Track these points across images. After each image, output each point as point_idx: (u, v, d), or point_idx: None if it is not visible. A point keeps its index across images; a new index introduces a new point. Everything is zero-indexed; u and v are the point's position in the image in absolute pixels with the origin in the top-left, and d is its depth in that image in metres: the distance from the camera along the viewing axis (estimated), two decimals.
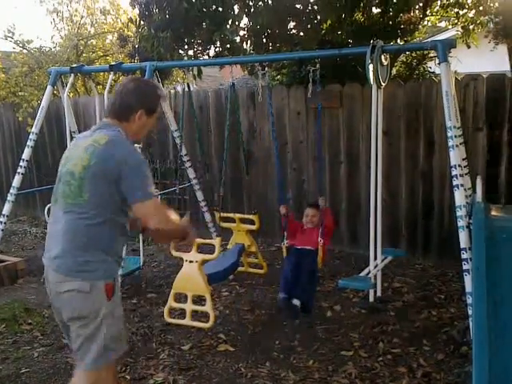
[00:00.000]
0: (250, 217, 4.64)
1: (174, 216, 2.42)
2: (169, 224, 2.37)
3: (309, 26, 5.37)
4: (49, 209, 5.13)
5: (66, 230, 2.29)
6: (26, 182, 6.22)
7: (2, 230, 5.16)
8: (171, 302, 3.84)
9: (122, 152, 2.27)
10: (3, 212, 5.11)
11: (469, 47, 5.78)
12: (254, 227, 4.62)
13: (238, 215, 4.69)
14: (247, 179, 5.97)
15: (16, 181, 5.12)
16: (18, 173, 5.13)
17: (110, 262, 2.35)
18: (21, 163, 5.14)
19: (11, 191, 5.10)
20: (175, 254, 3.91)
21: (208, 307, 3.70)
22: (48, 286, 2.38)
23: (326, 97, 5.35)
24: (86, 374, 2.36)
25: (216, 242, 3.83)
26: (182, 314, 4.01)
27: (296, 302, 3.75)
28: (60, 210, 2.33)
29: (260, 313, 4.30)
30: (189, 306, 3.77)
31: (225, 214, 4.71)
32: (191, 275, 3.75)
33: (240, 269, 4.68)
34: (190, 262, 3.75)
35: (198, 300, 3.93)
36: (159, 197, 2.42)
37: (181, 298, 3.94)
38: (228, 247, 4.67)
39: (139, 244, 5.04)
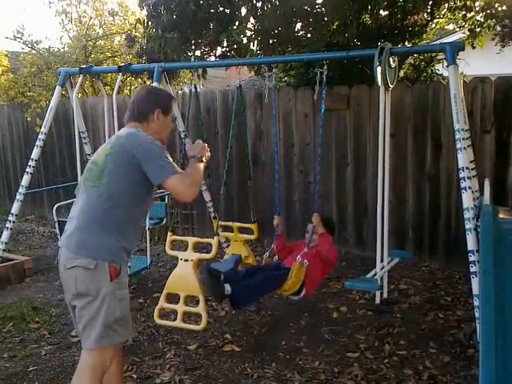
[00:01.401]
0: (249, 226, 4.45)
1: (193, 176, 2.57)
2: (195, 185, 2.55)
3: (316, 27, 5.37)
4: (57, 208, 5.22)
5: (82, 210, 2.48)
6: (33, 181, 6.27)
7: (11, 229, 5.19)
8: (163, 303, 3.66)
9: (140, 140, 2.47)
10: (12, 211, 5.14)
11: (474, 47, 5.77)
12: (252, 237, 4.43)
13: (236, 224, 4.48)
14: (254, 181, 5.96)
15: (25, 180, 5.16)
16: (27, 172, 5.16)
17: (118, 248, 2.47)
18: (30, 163, 5.17)
19: (20, 190, 5.14)
20: (170, 252, 3.81)
21: (201, 309, 3.54)
22: (59, 265, 2.52)
23: (333, 98, 5.37)
24: (88, 352, 2.47)
25: (213, 241, 3.69)
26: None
27: (227, 287, 3.31)
28: (80, 193, 2.54)
29: (266, 314, 4.30)
30: (181, 307, 3.60)
31: (223, 223, 4.52)
32: (185, 275, 3.59)
33: None
34: (186, 260, 3.60)
35: (193, 301, 3.82)
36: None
37: (176, 298, 3.79)
38: (224, 257, 4.48)
39: (146, 244, 5.06)
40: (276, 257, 3.92)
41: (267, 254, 4.00)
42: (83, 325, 2.45)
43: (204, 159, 2.71)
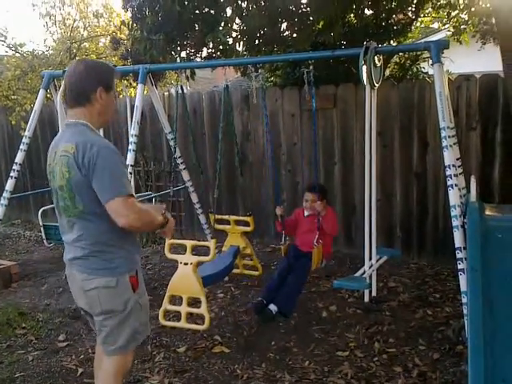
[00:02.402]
0: (245, 218, 4.65)
1: (147, 213, 2.39)
2: (142, 222, 2.33)
3: (301, 27, 5.37)
4: (42, 212, 5.16)
5: (80, 238, 2.35)
6: (19, 185, 6.19)
7: None
8: (166, 305, 3.81)
9: (88, 154, 2.22)
10: None
11: (460, 43, 5.82)
12: (248, 229, 4.62)
13: (232, 217, 4.70)
14: (242, 181, 5.96)
15: (9, 184, 5.08)
16: (11, 176, 5.08)
17: (130, 255, 2.42)
18: (14, 167, 5.09)
19: (4, 195, 5.06)
20: (170, 256, 3.89)
21: (203, 309, 3.68)
22: (71, 284, 2.50)
23: (319, 98, 5.37)
24: (116, 359, 2.48)
25: (211, 243, 3.81)
26: (175, 316, 4.01)
27: (273, 307, 3.90)
28: (67, 221, 2.39)
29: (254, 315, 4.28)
30: (184, 309, 3.74)
31: (219, 216, 4.69)
32: (186, 277, 3.72)
33: (235, 271, 4.68)
34: (185, 264, 3.73)
35: (194, 302, 3.92)
36: (134, 195, 2.38)
37: (176, 300, 3.92)
38: (223, 249, 4.67)
39: None
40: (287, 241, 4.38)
41: (283, 242, 4.32)
42: (106, 333, 2.44)
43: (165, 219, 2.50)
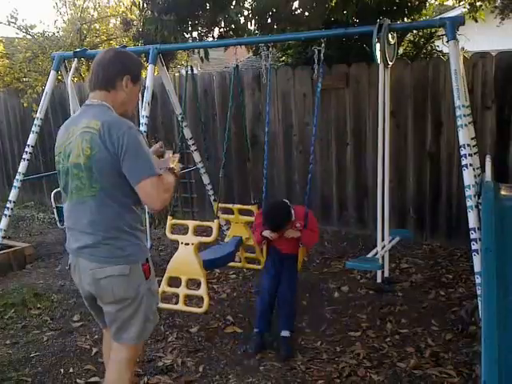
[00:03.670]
0: (249, 207, 4.43)
1: (169, 185, 2.37)
2: (169, 193, 2.34)
3: (314, 5, 5.28)
4: (55, 194, 5.18)
5: (93, 222, 2.28)
6: (32, 167, 6.23)
7: (10, 216, 5.17)
8: (164, 286, 3.67)
9: (117, 133, 2.19)
10: (10, 198, 5.12)
11: (476, 21, 5.68)
12: (253, 219, 4.31)
13: (236, 206, 4.45)
14: (250, 164, 5.92)
15: (22, 167, 5.13)
16: (24, 159, 5.13)
17: (141, 242, 2.39)
18: (26, 149, 5.14)
19: (17, 177, 5.11)
20: (171, 237, 3.80)
21: (203, 291, 3.56)
22: (78, 274, 2.40)
23: (332, 77, 5.31)
24: (128, 347, 2.44)
25: (214, 224, 3.68)
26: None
27: (285, 333, 3.41)
28: (77, 203, 2.32)
29: None
30: (182, 291, 3.62)
31: (223, 205, 4.43)
32: (186, 258, 3.60)
33: (237, 264, 4.46)
34: (186, 244, 3.61)
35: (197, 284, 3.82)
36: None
37: (178, 283, 3.76)
38: (225, 241, 4.50)
39: (146, 227, 5.04)
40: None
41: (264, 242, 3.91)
42: (119, 324, 2.39)
43: (175, 171, 2.49)
